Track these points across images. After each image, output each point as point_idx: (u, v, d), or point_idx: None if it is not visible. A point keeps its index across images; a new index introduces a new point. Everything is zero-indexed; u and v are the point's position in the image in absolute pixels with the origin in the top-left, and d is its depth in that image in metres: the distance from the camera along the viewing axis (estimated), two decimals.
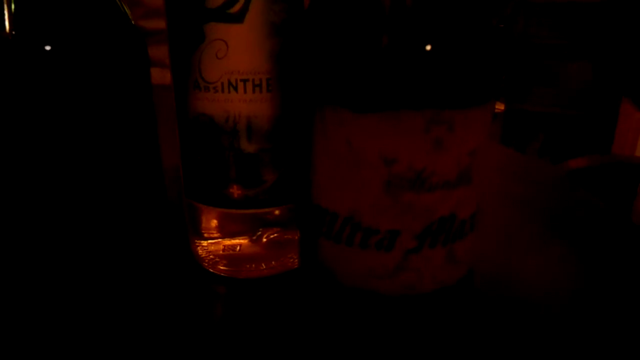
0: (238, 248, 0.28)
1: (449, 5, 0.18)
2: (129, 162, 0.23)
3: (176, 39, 0.23)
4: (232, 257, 0.27)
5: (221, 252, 0.28)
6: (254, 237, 0.27)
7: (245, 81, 0.23)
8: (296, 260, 0.28)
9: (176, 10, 0.23)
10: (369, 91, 0.20)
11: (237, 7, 0.22)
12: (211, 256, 0.28)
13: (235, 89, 0.23)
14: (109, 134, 0.22)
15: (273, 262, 0.27)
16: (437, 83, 0.18)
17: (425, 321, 0.23)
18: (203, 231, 0.28)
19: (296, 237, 0.28)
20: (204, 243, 0.28)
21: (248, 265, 0.27)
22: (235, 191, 0.25)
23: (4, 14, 0.20)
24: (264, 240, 0.28)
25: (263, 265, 0.27)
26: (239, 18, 0.22)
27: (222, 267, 0.27)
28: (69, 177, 0.22)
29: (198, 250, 0.28)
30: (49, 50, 0.20)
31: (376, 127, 0.20)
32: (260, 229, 0.27)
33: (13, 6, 0.20)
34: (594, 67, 1.49)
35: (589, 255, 0.30)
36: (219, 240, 0.27)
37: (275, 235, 0.28)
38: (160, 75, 0.29)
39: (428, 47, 0.18)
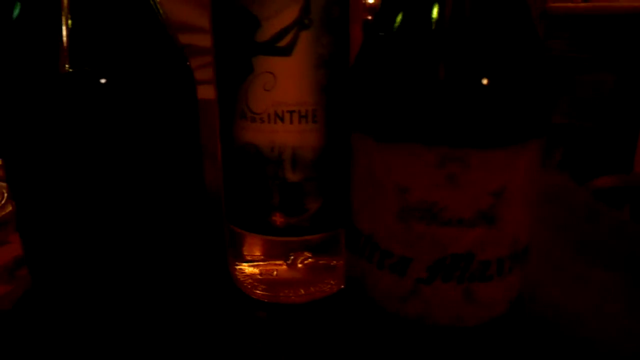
0: (275, 272, 0.28)
1: (471, 46, 0.19)
2: (178, 185, 0.23)
3: (224, 70, 0.24)
4: (270, 282, 0.28)
5: (259, 276, 0.28)
6: (288, 262, 0.28)
7: (291, 112, 0.23)
8: (334, 286, 0.28)
9: (225, 43, 0.23)
10: (387, 122, 0.20)
11: (285, 41, 0.22)
12: (249, 280, 0.28)
13: (282, 119, 0.23)
14: (160, 160, 0.22)
15: (311, 288, 0.27)
16: (451, 121, 0.19)
17: (438, 352, 0.23)
18: (242, 255, 0.28)
19: (332, 263, 0.28)
20: (243, 266, 0.28)
21: (287, 291, 0.27)
22: (278, 219, 0.25)
23: (61, 51, 0.21)
24: (300, 265, 0.28)
25: (302, 290, 0.27)
26: (287, 51, 0.22)
27: (260, 292, 0.28)
28: (119, 198, 0.22)
29: (237, 274, 0.28)
30: (105, 84, 0.21)
31: (393, 156, 0.20)
32: (292, 254, 0.28)
33: (69, 43, 0.21)
34: (616, 80, 1.47)
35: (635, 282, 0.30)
36: (257, 264, 0.28)
37: (310, 260, 0.28)
38: None
39: (444, 87, 0.19)
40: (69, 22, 0.21)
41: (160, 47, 0.22)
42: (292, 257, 0.28)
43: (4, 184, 0.39)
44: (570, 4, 1.54)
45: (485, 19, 0.19)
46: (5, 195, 0.37)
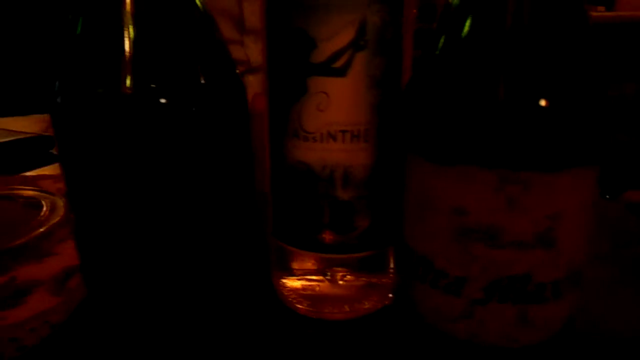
0: (320, 288, 0.28)
1: (536, 67, 0.19)
2: (233, 199, 0.24)
3: (277, 89, 0.24)
4: (314, 297, 0.28)
5: (304, 291, 0.28)
6: (334, 278, 0.28)
7: (344, 132, 0.23)
8: (377, 303, 0.28)
9: (280, 64, 0.23)
10: (445, 144, 0.20)
11: (341, 62, 0.22)
12: (293, 294, 0.28)
13: (334, 139, 0.23)
14: (218, 177, 0.22)
15: (356, 305, 0.28)
16: (515, 144, 0.19)
17: None
18: (288, 270, 0.28)
19: (377, 281, 0.28)
20: (288, 281, 0.28)
21: (331, 307, 0.27)
22: (328, 236, 0.25)
23: (125, 73, 0.21)
24: (345, 282, 0.28)
25: (346, 307, 0.27)
26: (342, 72, 0.22)
27: (304, 307, 0.28)
28: (177, 209, 0.22)
29: (281, 288, 0.28)
30: (166, 104, 0.21)
31: (450, 178, 0.20)
32: (338, 271, 0.28)
33: (133, 64, 0.21)
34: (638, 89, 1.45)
35: None
36: (303, 279, 0.28)
37: (355, 278, 0.28)
38: None
39: (508, 108, 0.19)
40: (131, 41, 0.21)
41: (218, 65, 0.22)
42: (337, 274, 0.28)
43: (48, 195, 0.40)
44: (593, 13, 1.52)
45: (551, 37, 0.19)
46: (49, 207, 0.38)
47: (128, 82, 0.21)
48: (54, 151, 0.58)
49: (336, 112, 0.23)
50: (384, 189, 0.25)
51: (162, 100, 0.21)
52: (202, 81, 0.22)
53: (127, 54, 0.21)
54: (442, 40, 0.21)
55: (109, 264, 0.24)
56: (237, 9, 0.99)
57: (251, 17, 1.00)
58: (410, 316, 0.25)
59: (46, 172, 0.52)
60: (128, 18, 0.21)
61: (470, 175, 0.20)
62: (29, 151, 0.55)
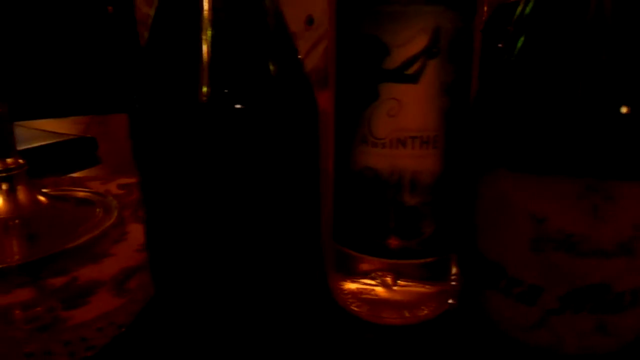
0: (380, 293, 0.28)
1: (623, 73, 0.18)
2: (301, 206, 0.24)
3: (347, 95, 0.24)
4: (374, 302, 0.28)
5: (363, 295, 0.28)
6: (394, 284, 0.28)
7: (414, 138, 0.23)
8: (437, 309, 0.28)
9: (351, 70, 0.24)
10: (526, 153, 0.20)
11: (414, 69, 0.22)
12: (352, 299, 0.28)
13: (404, 145, 0.23)
14: (289, 184, 0.23)
15: (415, 311, 0.27)
16: (600, 153, 0.18)
17: None
18: (347, 274, 0.28)
19: (438, 287, 0.28)
20: (346, 285, 0.28)
21: (391, 312, 0.27)
22: (393, 242, 0.25)
23: (200, 81, 0.22)
24: (406, 288, 0.28)
25: (406, 313, 0.27)
26: (414, 79, 0.23)
27: (363, 311, 0.28)
28: (247, 215, 0.23)
29: (340, 291, 0.29)
30: (240, 110, 0.22)
31: (530, 185, 0.20)
32: (399, 276, 0.28)
33: (209, 73, 0.22)
34: None
35: None
36: (364, 284, 0.28)
37: (417, 283, 0.28)
38: None
39: (594, 116, 0.18)
40: (210, 47, 0.21)
41: (292, 72, 0.23)
42: (398, 279, 0.28)
43: (99, 197, 0.41)
44: None
45: (638, 42, 0.18)
46: (102, 208, 0.39)
47: (205, 88, 0.22)
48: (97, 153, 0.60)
49: (407, 118, 0.23)
50: (449, 195, 0.25)
51: (241, 106, 0.21)
52: (281, 86, 0.22)
53: (204, 59, 0.22)
54: (520, 46, 0.21)
55: (178, 265, 0.24)
56: None
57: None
58: (475, 323, 0.25)
59: (90, 174, 0.53)
60: (206, 23, 0.22)
61: (553, 184, 0.20)
62: (73, 153, 0.56)
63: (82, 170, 0.55)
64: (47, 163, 0.52)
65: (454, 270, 0.28)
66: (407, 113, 0.23)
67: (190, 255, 0.24)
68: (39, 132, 0.58)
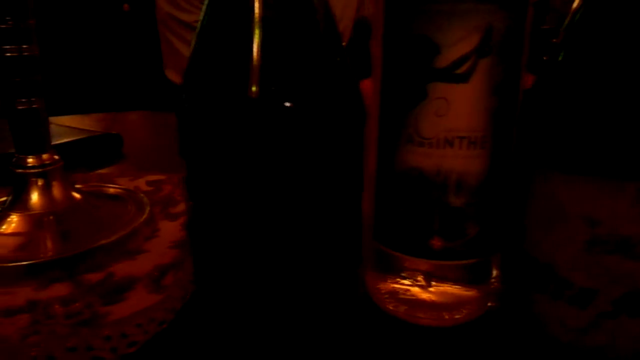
0: (419, 294, 0.28)
1: None
2: (344, 204, 0.24)
3: (393, 95, 0.24)
4: (413, 302, 0.28)
5: (402, 295, 0.28)
6: (429, 283, 0.28)
7: (461, 138, 0.23)
8: (477, 311, 0.27)
9: (399, 69, 0.23)
10: (581, 156, 0.20)
11: (464, 68, 0.22)
12: (390, 298, 0.28)
13: (451, 145, 0.23)
14: (333, 181, 0.23)
15: (454, 313, 0.27)
16: None
17: None
18: (386, 273, 0.28)
19: (478, 289, 0.28)
20: (385, 284, 0.28)
21: (429, 313, 0.27)
22: (437, 243, 0.25)
23: (251, 76, 0.22)
24: (442, 288, 0.28)
25: (445, 315, 0.27)
26: (464, 78, 0.22)
27: (400, 311, 0.28)
28: (291, 212, 0.23)
29: (376, 290, 0.28)
30: (290, 108, 0.22)
31: (584, 189, 0.20)
32: (431, 275, 0.27)
33: (260, 68, 0.22)
34: None
35: None
36: (403, 284, 0.28)
37: (452, 284, 0.28)
38: None
39: None
40: (260, 45, 0.21)
41: (339, 69, 0.23)
42: (439, 280, 0.27)
43: (130, 193, 0.41)
44: None
45: None
46: (133, 204, 0.39)
47: (256, 86, 0.22)
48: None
49: (455, 118, 0.23)
50: (494, 196, 0.25)
51: (291, 104, 0.21)
52: (330, 85, 0.22)
53: (254, 56, 0.22)
54: (574, 48, 0.20)
55: (220, 261, 0.24)
56: None
57: None
58: (517, 325, 0.25)
59: (115, 171, 0.53)
60: (257, 20, 0.21)
61: (607, 187, 0.19)
62: (99, 149, 0.56)
63: (107, 166, 0.55)
64: (73, 159, 0.53)
65: (495, 272, 0.27)
66: (456, 113, 0.23)
67: (233, 251, 0.24)
68: (64, 128, 0.59)
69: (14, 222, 0.35)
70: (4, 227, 0.35)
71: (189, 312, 0.27)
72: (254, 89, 0.22)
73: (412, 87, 0.23)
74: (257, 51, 0.21)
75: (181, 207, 0.41)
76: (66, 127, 0.59)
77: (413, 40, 0.22)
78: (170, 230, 0.37)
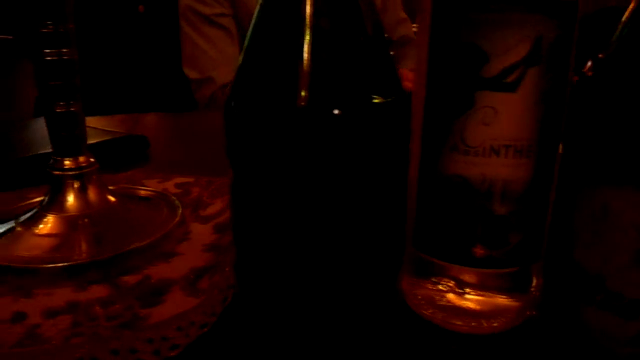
0: (457, 301, 0.28)
1: None
2: (386, 213, 0.24)
3: (439, 102, 0.24)
4: (449, 309, 0.28)
5: (440, 302, 0.28)
6: (468, 291, 0.28)
7: (507, 147, 0.23)
8: (516, 320, 0.27)
9: (445, 78, 0.24)
10: (633, 166, 0.20)
11: (513, 77, 0.22)
12: (427, 305, 0.28)
13: (497, 153, 0.23)
14: (379, 184, 0.23)
15: (492, 321, 0.27)
16: None
17: None
18: (424, 280, 0.28)
19: (513, 297, 0.28)
20: (423, 290, 0.28)
21: (466, 320, 0.27)
22: (479, 251, 0.25)
23: (300, 86, 0.22)
24: (481, 296, 0.28)
25: (484, 323, 0.27)
26: (512, 87, 0.22)
27: (437, 317, 0.28)
28: (336, 218, 0.23)
29: (412, 296, 0.28)
30: (338, 116, 0.22)
31: (635, 199, 0.20)
32: (470, 283, 0.27)
33: (308, 78, 0.22)
34: None
35: None
36: (439, 290, 0.28)
37: (492, 292, 0.28)
38: None
39: None
40: (310, 55, 0.22)
41: (387, 79, 0.23)
42: (478, 288, 0.27)
43: (162, 195, 0.41)
44: None
45: None
46: (166, 207, 0.40)
47: (304, 93, 0.22)
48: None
49: (502, 126, 0.23)
50: (537, 204, 0.25)
51: (340, 112, 0.21)
52: (378, 93, 0.22)
53: (304, 64, 0.22)
54: (624, 60, 0.20)
55: (264, 264, 0.24)
56: None
57: None
58: (559, 334, 0.25)
59: (140, 172, 0.54)
60: (307, 28, 0.22)
61: None
62: (125, 151, 0.57)
63: (132, 168, 0.55)
64: (99, 161, 0.53)
65: (535, 280, 0.27)
66: (503, 121, 0.23)
67: (278, 254, 0.24)
68: (90, 129, 0.59)
69: (49, 222, 0.36)
70: (39, 227, 0.36)
71: (230, 316, 0.28)
72: (304, 95, 0.22)
73: (460, 95, 0.23)
74: (308, 58, 0.22)
75: (211, 209, 0.41)
76: (91, 128, 0.59)
77: (461, 49, 0.23)
78: (202, 233, 0.38)
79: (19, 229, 0.36)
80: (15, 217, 0.37)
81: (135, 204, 0.40)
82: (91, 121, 0.75)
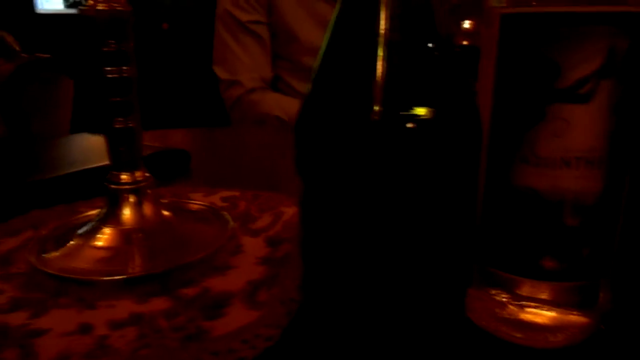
0: (523, 314, 0.27)
1: None
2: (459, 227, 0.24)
3: (508, 114, 0.24)
4: (515, 322, 0.27)
5: (507, 315, 0.28)
6: (535, 304, 0.27)
7: (578, 158, 0.23)
8: (583, 334, 0.27)
9: (516, 90, 0.24)
10: None
11: (586, 89, 0.22)
12: (492, 319, 0.28)
13: (568, 165, 0.23)
14: (452, 199, 0.23)
15: (558, 335, 0.27)
16: None
17: None
18: (490, 293, 0.28)
19: (581, 310, 0.27)
20: (489, 304, 0.28)
21: (534, 334, 0.27)
22: (547, 263, 0.25)
23: (375, 94, 0.22)
24: (548, 311, 0.27)
25: (549, 337, 0.27)
26: (585, 99, 0.22)
27: (503, 331, 0.27)
28: (411, 235, 0.23)
29: (479, 309, 0.28)
30: (416, 129, 0.22)
31: None
32: (538, 296, 0.27)
33: (384, 92, 0.22)
34: None
35: None
36: (506, 303, 0.28)
37: (559, 306, 0.27)
38: None
39: None
40: (385, 69, 0.22)
41: (462, 93, 0.23)
42: (546, 302, 0.27)
43: (211, 209, 0.42)
44: None
45: None
46: (216, 220, 0.40)
47: (377, 106, 0.22)
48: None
49: (574, 138, 0.23)
50: (608, 216, 0.24)
51: (417, 126, 0.22)
52: (453, 107, 0.22)
53: (379, 78, 0.22)
54: None
55: (332, 277, 0.24)
56: None
57: None
58: (629, 348, 0.24)
59: (186, 186, 0.55)
60: (380, 43, 0.22)
61: None
62: (168, 164, 0.58)
63: (174, 182, 0.56)
64: None
65: (603, 294, 0.27)
66: (574, 133, 0.23)
67: (348, 269, 0.24)
68: None
69: (106, 235, 0.36)
70: (97, 240, 0.36)
71: (295, 329, 0.28)
72: (379, 109, 0.22)
73: (531, 107, 0.23)
74: (382, 71, 0.22)
75: (260, 223, 0.41)
76: None
77: (534, 61, 0.23)
78: (254, 246, 0.38)
79: (77, 241, 0.36)
80: (73, 230, 0.38)
81: (187, 217, 0.40)
82: None
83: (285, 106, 0.98)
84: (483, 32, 0.25)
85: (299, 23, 0.99)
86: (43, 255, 0.35)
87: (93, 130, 0.69)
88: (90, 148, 0.63)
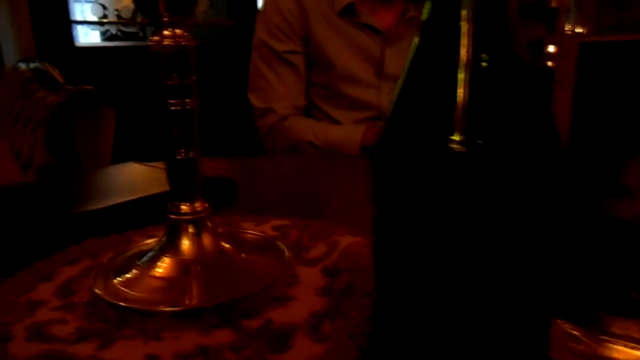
0: (611, 353, 0.26)
1: None
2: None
3: (598, 145, 0.24)
4: (585, 355, 0.26)
5: (589, 352, 0.26)
6: (625, 342, 0.26)
7: None
8: None
9: (606, 118, 0.23)
10: None
11: None
12: (561, 350, 0.27)
13: None
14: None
15: None
16: None
17: None
18: (573, 329, 0.27)
19: None
20: (574, 344, 0.27)
21: None
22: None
23: (454, 123, 0.22)
24: (617, 346, 0.26)
25: None
26: None
27: None
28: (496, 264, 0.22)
29: (564, 348, 0.27)
30: (501, 160, 0.21)
31: None
32: (628, 333, 0.26)
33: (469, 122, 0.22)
34: None
35: None
36: (592, 340, 0.26)
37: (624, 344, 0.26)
38: None
39: None
40: (469, 97, 0.22)
41: (545, 120, 0.22)
42: (621, 338, 0.26)
43: (265, 238, 0.42)
44: None
45: None
46: (272, 250, 0.40)
47: (459, 136, 0.22)
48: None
49: None
50: None
51: (502, 156, 0.21)
52: (539, 136, 0.22)
53: (464, 108, 0.22)
54: None
55: (408, 310, 0.24)
56: (378, 53, 1.02)
57: (390, 63, 1.02)
58: None
59: (233, 215, 0.55)
60: (463, 72, 0.22)
61: None
62: (215, 193, 0.58)
63: (221, 210, 0.56)
64: None
65: None
66: None
67: (428, 302, 0.23)
68: None
69: (165, 264, 0.37)
70: (156, 269, 0.36)
71: None
72: (464, 139, 0.22)
73: (627, 139, 0.22)
74: (465, 101, 0.22)
75: (314, 252, 0.41)
76: None
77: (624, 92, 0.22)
78: (310, 276, 0.37)
79: (137, 271, 0.37)
80: (132, 259, 0.38)
81: (243, 247, 0.40)
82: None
83: (317, 131, 0.98)
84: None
85: (336, 51, 1.00)
86: (106, 284, 0.35)
87: (134, 159, 0.70)
88: (138, 177, 0.64)
